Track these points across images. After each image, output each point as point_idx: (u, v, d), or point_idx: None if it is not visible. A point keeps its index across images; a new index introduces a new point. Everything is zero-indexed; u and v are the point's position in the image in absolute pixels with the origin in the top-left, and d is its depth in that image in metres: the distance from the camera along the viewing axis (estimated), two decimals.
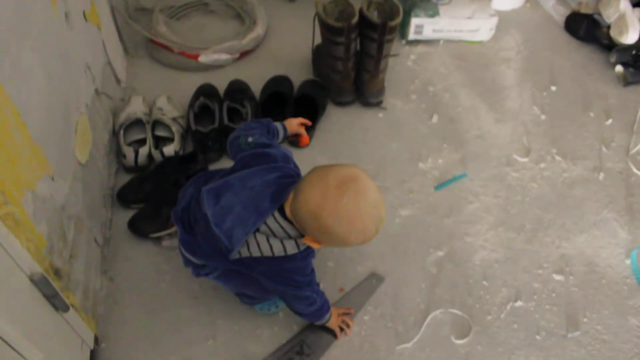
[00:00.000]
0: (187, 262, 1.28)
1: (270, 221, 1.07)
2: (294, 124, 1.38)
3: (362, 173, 1.01)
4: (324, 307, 1.29)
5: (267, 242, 1.07)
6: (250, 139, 1.19)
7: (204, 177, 1.24)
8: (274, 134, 1.29)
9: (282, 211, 1.07)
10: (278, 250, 1.08)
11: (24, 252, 1.02)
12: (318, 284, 1.24)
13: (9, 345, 0.95)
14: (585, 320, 1.46)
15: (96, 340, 1.36)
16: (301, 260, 1.11)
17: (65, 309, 1.15)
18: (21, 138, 1.06)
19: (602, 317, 1.46)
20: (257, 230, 1.07)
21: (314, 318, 1.32)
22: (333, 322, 1.36)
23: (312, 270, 1.19)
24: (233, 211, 1.07)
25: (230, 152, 1.23)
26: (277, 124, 1.32)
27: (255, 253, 1.08)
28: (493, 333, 1.42)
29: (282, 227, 1.07)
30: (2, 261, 0.96)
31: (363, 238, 1.02)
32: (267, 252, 1.08)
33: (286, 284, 1.16)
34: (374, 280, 1.50)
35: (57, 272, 1.14)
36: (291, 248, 1.08)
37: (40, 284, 1.05)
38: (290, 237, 1.08)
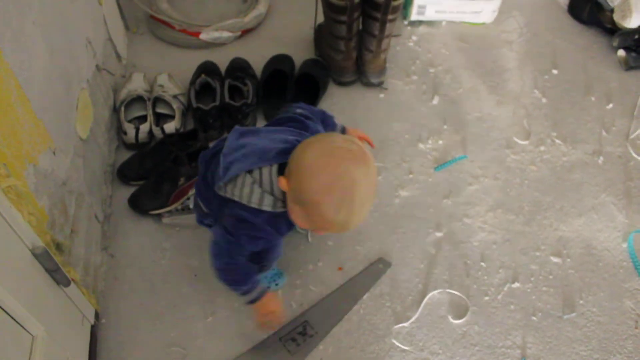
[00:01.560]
0: (196, 206, 1.30)
1: (265, 170, 1.07)
2: (354, 135, 1.28)
3: (364, 152, 1.02)
4: (232, 278, 1.21)
5: (250, 186, 1.07)
6: (298, 110, 1.21)
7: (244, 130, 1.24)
8: (327, 124, 1.27)
9: (281, 169, 1.07)
10: (255, 199, 1.07)
11: (26, 225, 1.02)
12: (243, 257, 1.18)
13: (12, 317, 0.96)
14: (581, 302, 1.47)
15: (97, 315, 1.37)
16: (263, 221, 1.10)
17: (67, 283, 1.15)
18: (23, 111, 1.06)
19: (598, 300, 1.48)
20: (251, 172, 1.08)
21: (222, 278, 1.21)
22: (256, 316, 1.29)
23: (253, 241, 1.14)
24: (242, 149, 1.09)
25: (280, 116, 1.24)
26: (339, 123, 1.31)
27: (235, 195, 1.08)
28: (490, 313, 1.44)
29: (271, 181, 1.07)
30: (5, 234, 0.97)
31: (333, 212, 0.99)
32: (244, 197, 1.07)
33: (225, 226, 1.14)
34: (381, 265, 1.50)
35: (58, 247, 1.15)
36: (266, 204, 1.07)
37: (42, 257, 1.06)
38: (272, 194, 1.07)
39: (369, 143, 1.35)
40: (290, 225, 1.14)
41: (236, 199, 1.09)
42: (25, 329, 1.00)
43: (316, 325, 1.39)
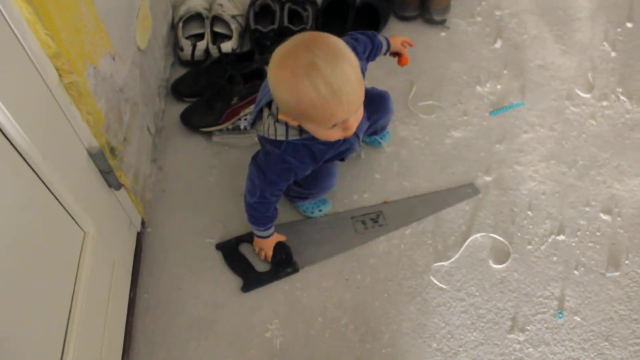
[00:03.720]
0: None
1: (273, 102, 1.11)
2: (398, 42, 1.35)
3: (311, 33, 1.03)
4: (253, 215, 1.29)
5: (267, 119, 1.12)
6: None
7: None
8: (378, 48, 1.29)
9: None
10: (271, 130, 1.11)
11: (83, 124, 1.05)
12: (274, 196, 1.24)
13: (68, 212, 0.99)
14: (627, 262, 1.43)
15: (143, 224, 1.41)
16: (283, 151, 1.14)
17: (118, 187, 1.18)
18: (87, 12, 1.06)
19: None
20: (269, 106, 1.12)
21: (247, 212, 1.30)
22: (255, 243, 1.39)
23: (281, 175, 1.19)
24: (266, 87, 1.11)
25: None
26: (382, 39, 1.31)
27: (260, 130, 1.15)
28: (531, 262, 1.42)
29: (277, 110, 1.10)
30: (64, 130, 0.99)
31: (316, 93, 0.96)
32: (265, 131, 1.13)
33: (257, 162, 1.20)
34: (469, 189, 1.51)
35: (112, 151, 1.17)
36: (280, 133, 1.12)
37: (97, 158, 1.09)
38: (283, 123, 1.10)
39: (410, 44, 1.38)
40: (314, 155, 1.16)
41: (260, 134, 1.15)
42: (78, 225, 1.03)
43: (389, 218, 1.45)
